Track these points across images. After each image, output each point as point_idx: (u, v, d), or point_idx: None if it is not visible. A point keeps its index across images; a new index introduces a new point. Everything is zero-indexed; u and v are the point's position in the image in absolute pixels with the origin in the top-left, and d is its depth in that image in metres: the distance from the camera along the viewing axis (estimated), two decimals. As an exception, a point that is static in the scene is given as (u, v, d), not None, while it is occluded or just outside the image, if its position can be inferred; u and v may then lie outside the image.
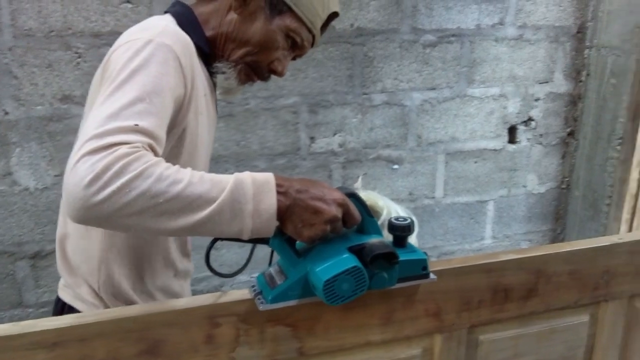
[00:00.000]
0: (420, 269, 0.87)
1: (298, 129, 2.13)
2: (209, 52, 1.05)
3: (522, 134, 2.44)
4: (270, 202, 0.78)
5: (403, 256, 0.84)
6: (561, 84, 2.44)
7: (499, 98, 2.36)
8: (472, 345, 0.98)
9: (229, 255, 2.14)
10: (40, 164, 1.86)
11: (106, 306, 1.05)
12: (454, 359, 0.97)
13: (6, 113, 1.79)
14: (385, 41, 2.14)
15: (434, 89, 2.26)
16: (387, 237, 0.88)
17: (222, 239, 0.81)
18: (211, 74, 1.08)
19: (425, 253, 0.88)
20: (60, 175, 1.87)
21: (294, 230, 0.81)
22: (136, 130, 0.78)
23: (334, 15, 1.10)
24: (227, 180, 0.78)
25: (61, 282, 1.14)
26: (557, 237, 2.65)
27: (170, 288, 1.13)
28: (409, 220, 0.87)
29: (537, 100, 2.42)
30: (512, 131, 2.43)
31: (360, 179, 1.62)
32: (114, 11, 1.82)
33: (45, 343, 0.74)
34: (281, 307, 0.82)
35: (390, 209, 1.31)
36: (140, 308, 0.81)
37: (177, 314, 0.79)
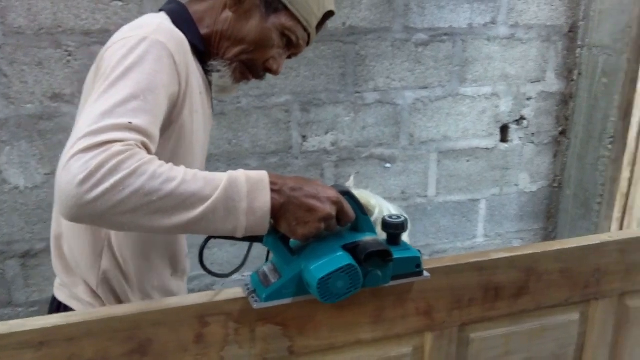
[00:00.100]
0: (414, 266, 0.88)
1: (290, 128, 2.12)
2: (204, 50, 1.05)
3: (514, 133, 2.46)
4: (265, 199, 0.78)
5: (397, 254, 0.84)
6: (553, 83, 2.46)
7: (491, 97, 2.37)
8: (463, 344, 0.98)
9: (220, 254, 2.14)
10: (31, 162, 1.85)
11: (103, 305, 1.05)
12: (445, 357, 0.97)
13: (-4, 111, 1.78)
14: (378, 40, 2.15)
15: (426, 87, 2.26)
16: (381, 235, 0.88)
17: (215, 238, 0.81)
18: (206, 72, 1.07)
19: (418, 251, 0.88)
20: (50, 173, 1.86)
21: (288, 228, 0.81)
22: (130, 128, 0.78)
23: (329, 14, 1.09)
24: (221, 178, 0.77)
25: (57, 282, 1.13)
26: (548, 235, 2.66)
27: (167, 287, 1.13)
28: (402, 218, 0.87)
29: (529, 99, 2.44)
30: (504, 130, 2.44)
31: (352, 178, 1.61)
32: (104, 9, 1.81)
33: (32, 342, 0.74)
34: (273, 306, 0.82)
35: (382, 207, 1.31)
36: (128, 307, 0.80)
37: (165, 313, 0.79)
